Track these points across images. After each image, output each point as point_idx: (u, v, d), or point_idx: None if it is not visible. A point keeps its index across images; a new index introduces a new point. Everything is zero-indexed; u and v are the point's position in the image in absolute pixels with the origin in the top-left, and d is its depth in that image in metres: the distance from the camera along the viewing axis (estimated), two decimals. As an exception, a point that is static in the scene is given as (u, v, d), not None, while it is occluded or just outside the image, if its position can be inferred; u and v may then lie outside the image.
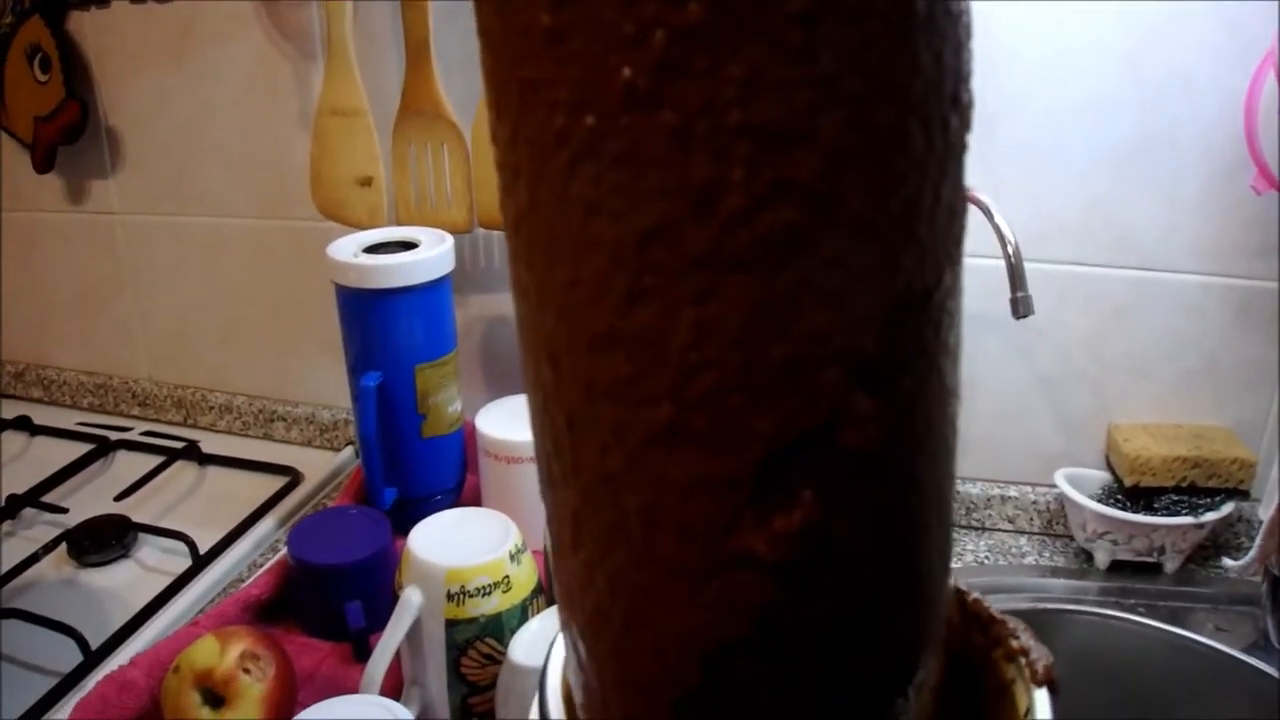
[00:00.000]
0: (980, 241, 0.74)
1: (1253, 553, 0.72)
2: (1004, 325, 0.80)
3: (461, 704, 0.64)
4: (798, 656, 0.21)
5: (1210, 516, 0.78)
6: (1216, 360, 0.82)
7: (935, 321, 0.20)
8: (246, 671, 0.61)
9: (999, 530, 0.89)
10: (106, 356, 1.18)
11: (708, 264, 0.17)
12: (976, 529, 0.89)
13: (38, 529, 0.93)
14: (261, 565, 0.85)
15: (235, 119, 1.01)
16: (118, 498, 0.94)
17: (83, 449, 1.05)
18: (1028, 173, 0.81)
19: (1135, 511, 0.79)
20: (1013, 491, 0.89)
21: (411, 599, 0.62)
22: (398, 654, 0.63)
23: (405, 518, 0.72)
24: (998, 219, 0.73)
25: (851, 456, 0.19)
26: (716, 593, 0.20)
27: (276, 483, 0.98)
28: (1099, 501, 0.81)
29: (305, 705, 0.57)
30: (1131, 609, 0.77)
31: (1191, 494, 0.79)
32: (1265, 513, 0.73)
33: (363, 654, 0.68)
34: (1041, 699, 0.27)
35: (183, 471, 1.02)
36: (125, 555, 0.88)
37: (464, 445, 0.89)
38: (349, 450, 1.05)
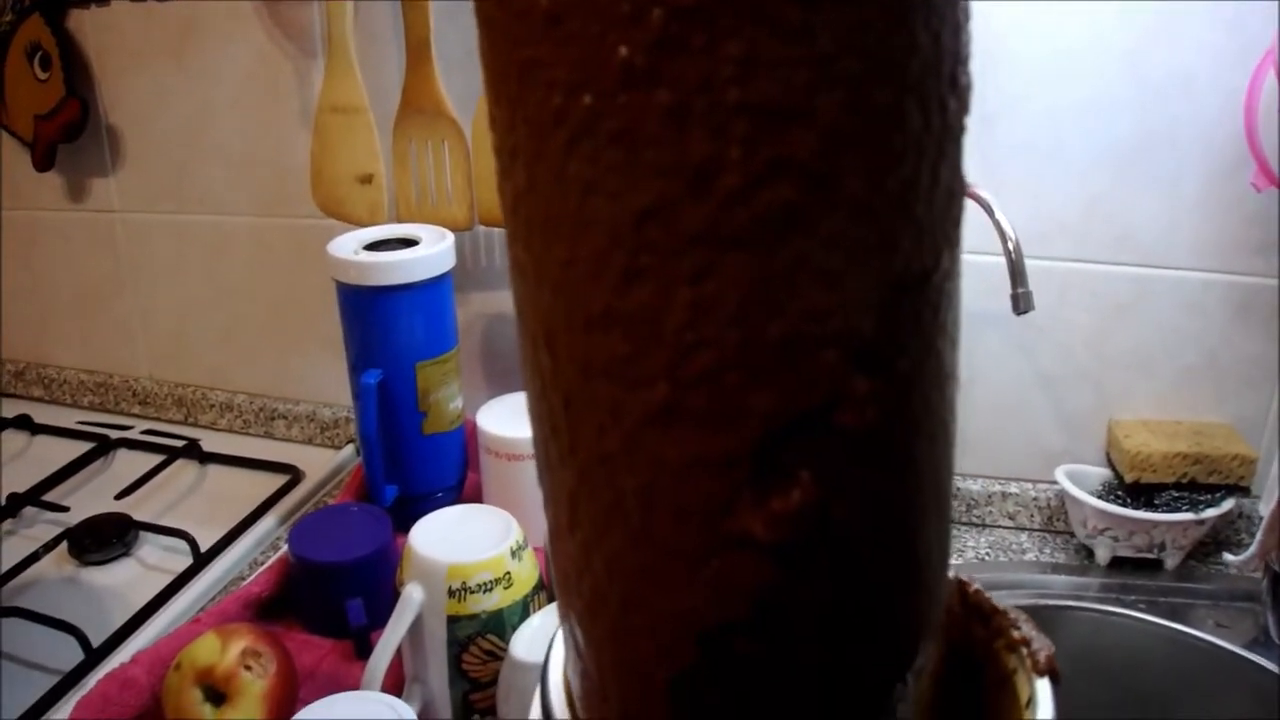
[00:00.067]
0: (981, 238, 0.74)
1: (1253, 548, 0.72)
2: (1005, 322, 0.80)
3: (463, 700, 0.64)
4: (795, 638, 0.21)
5: (1211, 513, 0.78)
6: (1217, 357, 0.82)
7: (933, 303, 0.20)
8: (248, 669, 0.61)
9: (999, 527, 0.89)
10: (107, 355, 1.18)
11: (705, 242, 0.17)
12: (977, 525, 0.89)
13: (39, 528, 0.93)
14: (262, 563, 0.85)
15: (236, 117, 1.01)
16: (118, 496, 0.94)
17: (83, 447, 1.05)
18: (1028, 171, 0.81)
19: (1136, 508, 0.79)
20: (1013, 488, 0.89)
21: (413, 595, 0.62)
22: (399, 651, 0.63)
23: (406, 515, 0.72)
24: (998, 214, 0.73)
25: (849, 437, 0.19)
26: (714, 574, 0.20)
27: (277, 481, 0.98)
28: (1099, 498, 0.81)
29: (306, 702, 0.57)
30: (1132, 605, 0.77)
31: (1192, 490, 0.79)
32: (1265, 509, 0.73)
33: (364, 651, 0.68)
34: (1043, 688, 0.27)
35: (183, 470, 1.02)
36: (126, 553, 0.88)
37: (465, 442, 0.89)
38: (350, 448, 1.05)
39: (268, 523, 0.92)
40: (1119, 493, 0.82)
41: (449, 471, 0.87)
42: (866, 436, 0.20)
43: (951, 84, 0.19)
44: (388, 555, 0.75)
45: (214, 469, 1.03)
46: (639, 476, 0.20)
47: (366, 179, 0.91)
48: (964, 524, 0.90)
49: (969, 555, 0.85)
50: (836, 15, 0.17)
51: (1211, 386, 0.83)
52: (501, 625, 0.62)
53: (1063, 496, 0.84)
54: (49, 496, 0.96)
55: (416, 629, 0.63)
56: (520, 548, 0.64)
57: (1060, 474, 0.83)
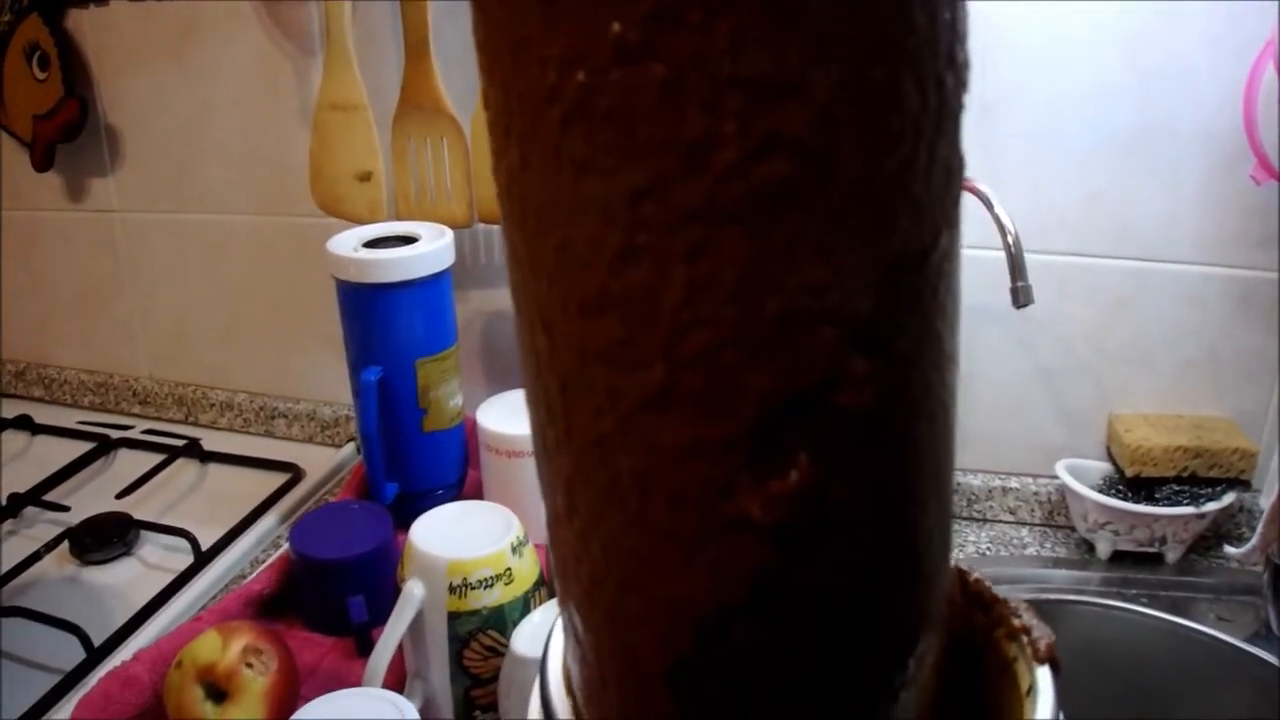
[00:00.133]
0: (980, 233, 0.74)
1: (1254, 541, 0.72)
2: (1004, 316, 0.80)
3: (464, 696, 0.64)
4: (794, 623, 0.21)
5: (1211, 506, 0.78)
6: (1217, 350, 0.82)
7: (932, 284, 0.20)
8: (249, 666, 0.61)
9: (1000, 521, 0.89)
10: (107, 355, 1.18)
11: (701, 218, 0.17)
12: (978, 520, 0.89)
13: (39, 527, 0.93)
14: (263, 561, 0.85)
15: (235, 116, 1.01)
16: (119, 495, 0.94)
17: (84, 447, 1.05)
18: (1028, 161, 0.81)
19: (1136, 502, 0.79)
20: (1014, 483, 0.88)
21: (414, 592, 0.62)
22: (400, 647, 0.63)
23: (407, 512, 0.72)
24: (997, 208, 0.73)
25: (847, 418, 0.19)
26: (711, 557, 0.20)
27: (278, 479, 0.98)
28: (1100, 492, 0.81)
29: (308, 700, 0.57)
30: (1133, 599, 0.76)
31: (1192, 484, 0.79)
32: (1266, 502, 0.73)
33: (365, 648, 0.68)
34: (1044, 676, 0.27)
35: (184, 469, 1.02)
36: (127, 552, 0.88)
37: (465, 440, 0.89)
38: (350, 447, 1.05)
39: (268, 521, 0.91)
40: (1119, 487, 0.82)
41: (449, 468, 0.87)
42: (865, 417, 0.19)
43: (949, 61, 0.19)
44: (388, 552, 0.75)
45: (215, 468, 1.03)
46: (635, 460, 0.20)
47: (365, 177, 0.91)
48: (965, 519, 0.89)
49: (970, 550, 0.85)
50: (831, -10, 0.17)
51: (1212, 380, 0.83)
52: (502, 621, 0.62)
53: (1063, 491, 0.84)
54: (50, 496, 0.96)
55: (417, 625, 0.63)
56: (521, 544, 0.64)
57: (1061, 468, 0.83)
